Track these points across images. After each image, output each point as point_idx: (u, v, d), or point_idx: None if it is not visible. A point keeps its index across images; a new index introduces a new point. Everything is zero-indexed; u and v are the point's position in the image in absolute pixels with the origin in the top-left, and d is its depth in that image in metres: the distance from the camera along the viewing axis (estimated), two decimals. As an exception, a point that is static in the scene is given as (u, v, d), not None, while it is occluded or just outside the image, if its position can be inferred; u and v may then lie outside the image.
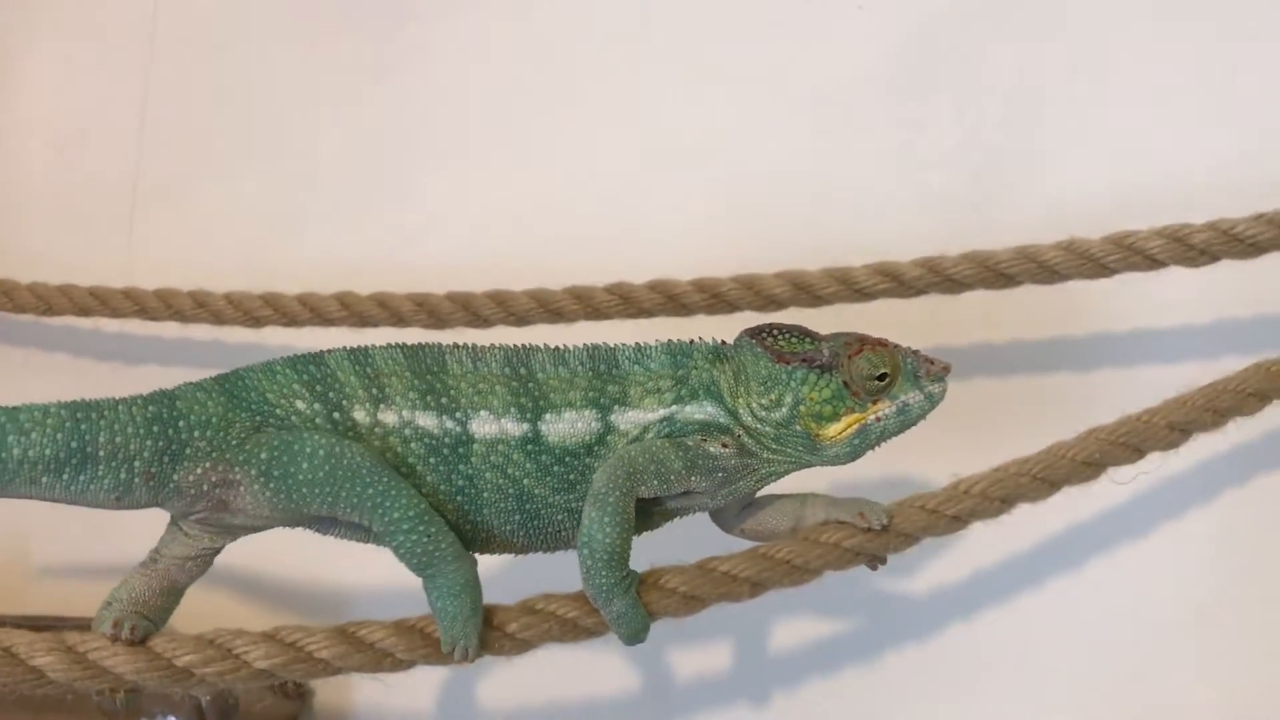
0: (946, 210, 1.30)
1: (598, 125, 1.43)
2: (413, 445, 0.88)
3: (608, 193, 1.40)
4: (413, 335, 1.28)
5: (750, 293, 1.19)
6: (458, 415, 0.88)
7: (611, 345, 0.92)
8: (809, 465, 0.91)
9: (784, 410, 0.89)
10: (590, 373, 0.91)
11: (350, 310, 1.29)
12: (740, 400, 0.90)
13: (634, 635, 0.89)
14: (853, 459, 0.91)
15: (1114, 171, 1.25)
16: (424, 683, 1.36)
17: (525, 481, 0.88)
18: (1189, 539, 1.19)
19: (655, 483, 0.88)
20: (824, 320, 0.99)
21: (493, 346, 0.92)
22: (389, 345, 0.91)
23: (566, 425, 0.89)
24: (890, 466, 1.06)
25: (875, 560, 0.95)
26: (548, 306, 1.24)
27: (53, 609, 1.29)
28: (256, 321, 1.33)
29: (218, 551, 0.92)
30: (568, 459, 0.89)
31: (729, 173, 1.37)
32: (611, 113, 1.43)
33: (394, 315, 1.28)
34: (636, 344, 0.92)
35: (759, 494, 0.95)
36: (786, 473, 0.92)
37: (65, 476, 0.84)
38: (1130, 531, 1.21)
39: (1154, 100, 1.26)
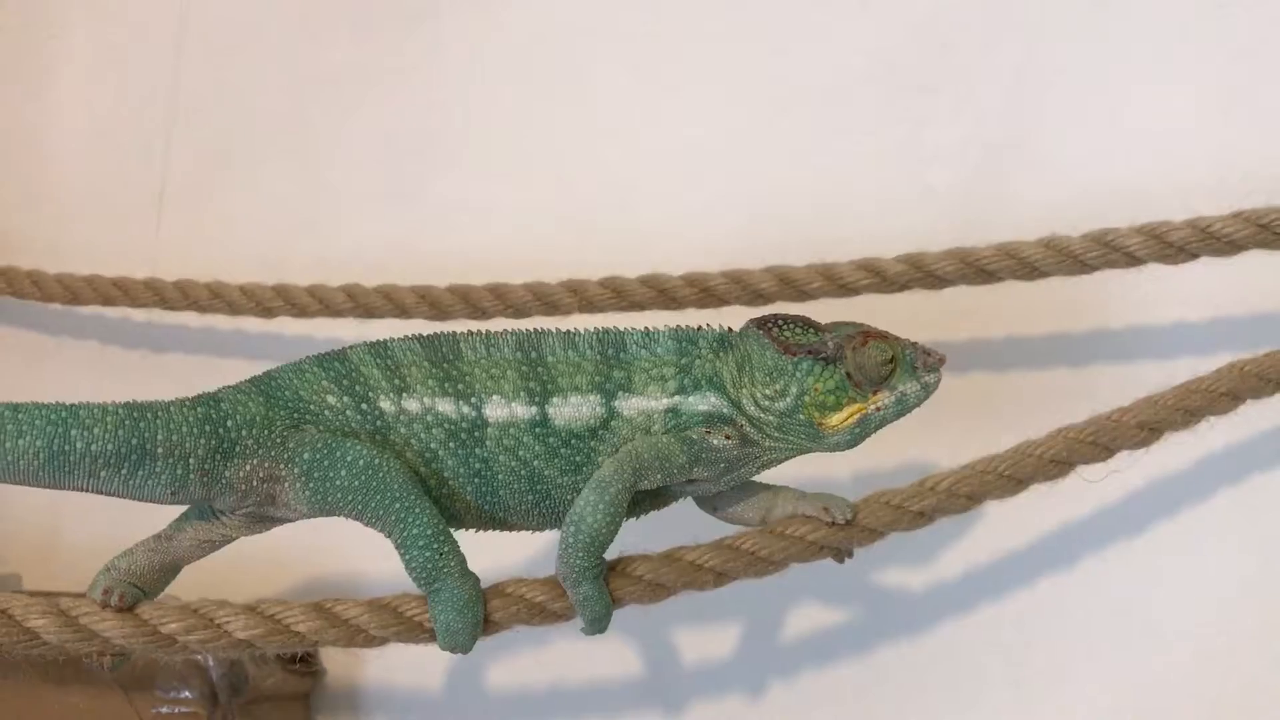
0: (946, 207, 1.27)
1: (599, 122, 1.42)
2: (434, 431, 0.90)
3: (608, 188, 1.40)
4: (416, 326, 1.29)
5: (738, 287, 1.19)
6: (472, 400, 0.90)
7: (621, 330, 0.93)
8: (809, 451, 0.92)
9: (789, 400, 0.89)
10: (598, 356, 0.92)
11: (357, 302, 1.31)
12: (744, 390, 0.90)
13: (596, 620, 0.90)
14: (852, 446, 0.92)
15: (1116, 168, 1.22)
16: (432, 661, 1.37)
17: (535, 463, 0.90)
18: (1187, 536, 1.16)
19: (659, 476, 0.89)
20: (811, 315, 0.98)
21: (506, 332, 0.93)
22: (406, 337, 0.93)
23: (572, 409, 0.90)
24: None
25: (840, 554, 0.94)
26: (544, 299, 1.24)
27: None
28: (268, 312, 1.35)
29: (233, 540, 0.94)
30: (573, 441, 0.90)
31: (728, 169, 1.36)
32: (613, 110, 1.42)
33: (398, 307, 1.29)
34: (645, 329, 0.93)
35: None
36: (787, 458, 0.93)
37: (124, 471, 0.86)
38: (1127, 529, 1.18)
39: (1157, 96, 1.23)
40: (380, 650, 0.92)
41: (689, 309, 1.20)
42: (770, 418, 0.90)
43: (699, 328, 0.93)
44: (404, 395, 0.90)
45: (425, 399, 0.90)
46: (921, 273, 1.14)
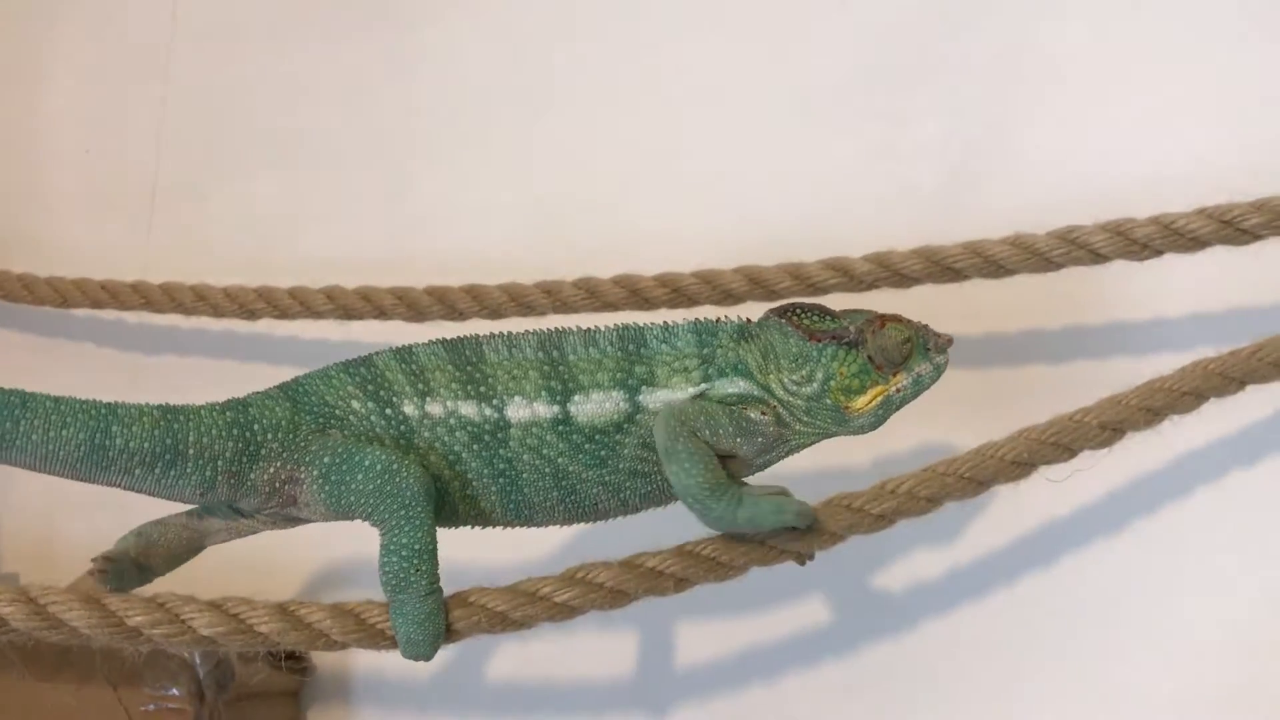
0: (926, 205, 1.25)
1: (576, 126, 1.40)
2: (458, 434, 0.90)
3: (584, 190, 1.38)
4: (395, 327, 1.29)
5: (709, 287, 1.17)
6: (494, 402, 0.90)
7: (640, 325, 0.93)
8: (833, 436, 0.92)
9: (815, 385, 0.90)
10: (619, 353, 0.91)
11: (336, 303, 1.29)
12: (771, 376, 0.90)
13: (777, 511, 0.87)
14: (874, 428, 0.92)
15: (1094, 165, 1.19)
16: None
17: (559, 460, 0.90)
18: (1165, 534, 1.14)
19: (707, 432, 0.88)
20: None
21: (528, 332, 0.93)
22: (431, 341, 0.93)
23: (594, 405, 0.90)
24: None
25: (801, 557, 0.93)
26: (519, 300, 1.23)
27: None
28: (252, 314, 1.34)
29: (259, 532, 0.96)
30: (598, 437, 0.90)
31: (702, 170, 1.34)
32: (589, 113, 1.39)
33: (376, 308, 1.28)
34: (664, 323, 0.92)
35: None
36: (812, 444, 0.92)
37: (158, 470, 0.87)
38: (1106, 527, 1.16)
39: (1137, 95, 1.20)
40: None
41: (661, 309, 1.18)
42: (799, 402, 0.90)
43: (717, 320, 0.93)
44: (428, 399, 0.90)
45: (449, 402, 0.90)
46: (889, 272, 1.12)
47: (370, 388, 0.91)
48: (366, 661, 1.37)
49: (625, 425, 0.90)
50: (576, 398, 0.90)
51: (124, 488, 0.88)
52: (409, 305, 1.26)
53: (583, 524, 0.94)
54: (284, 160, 1.53)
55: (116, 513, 0.98)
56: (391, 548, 0.87)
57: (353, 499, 0.88)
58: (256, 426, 0.89)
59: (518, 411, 0.90)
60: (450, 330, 1.22)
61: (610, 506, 0.92)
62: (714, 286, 1.16)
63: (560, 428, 0.90)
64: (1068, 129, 1.21)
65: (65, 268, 1.46)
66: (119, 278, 1.42)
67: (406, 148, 1.47)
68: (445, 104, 1.46)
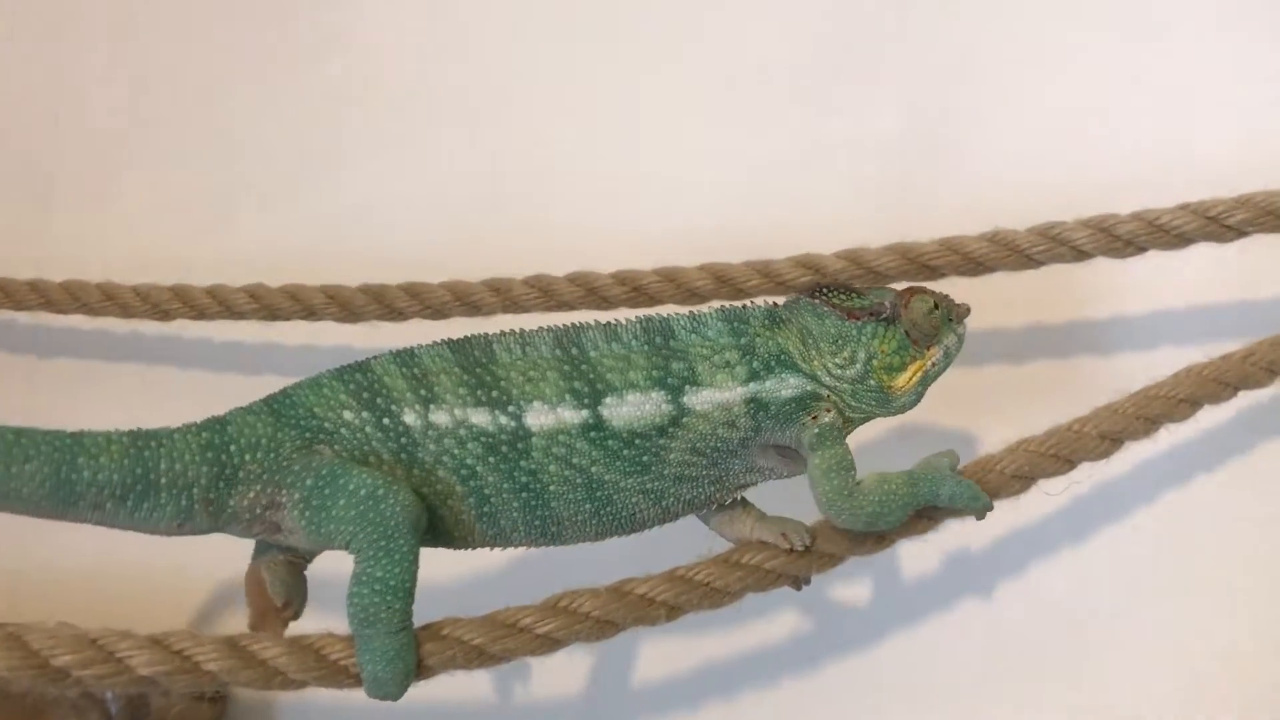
0: (882, 199, 1.20)
1: (524, 117, 1.30)
2: (469, 446, 0.81)
3: (533, 184, 1.29)
4: (326, 329, 1.19)
5: (672, 285, 1.09)
6: (510, 409, 0.82)
7: (665, 316, 0.86)
8: (874, 418, 0.86)
9: (859, 366, 0.85)
10: (647, 347, 0.84)
11: (260, 303, 1.18)
12: (815, 362, 0.84)
13: (966, 499, 0.84)
14: (912, 407, 0.87)
15: (1050, 159, 1.16)
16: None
17: (593, 469, 0.82)
18: (1130, 543, 1.11)
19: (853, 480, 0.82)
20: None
21: (541, 329, 0.84)
22: (436, 342, 0.85)
23: (632, 408, 0.82)
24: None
25: (798, 581, 0.86)
26: (464, 299, 1.13)
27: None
28: (165, 315, 1.21)
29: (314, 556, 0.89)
30: (638, 441, 0.82)
31: (658, 162, 1.26)
32: (537, 104, 1.30)
33: (305, 308, 1.17)
34: (691, 313, 0.86)
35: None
36: (857, 428, 0.87)
37: (130, 503, 0.79)
38: (1070, 536, 1.13)
39: (1094, 89, 1.17)
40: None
41: (620, 308, 1.10)
42: (844, 385, 0.84)
43: (743, 306, 0.87)
44: (431, 407, 0.82)
45: (456, 410, 0.82)
46: (862, 268, 1.05)
47: (365, 396, 0.82)
48: (287, 697, 1.27)
49: (670, 429, 0.82)
50: (609, 400, 0.82)
51: (95, 523, 0.79)
52: (341, 305, 1.16)
53: (617, 537, 0.86)
54: (203, 148, 1.40)
55: (87, 539, 0.87)
56: (364, 579, 0.78)
57: (333, 526, 0.79)
58: (234, 447, 0.80)
59: (539, 418, 0.82)
60: (388, 333, 1.13)
61: (650, 516, 0.84)
62: (677, 285, 1.08)
63: (592, 434, 0.81)
64: (1030, 126, 1.18)
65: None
66: (12, 275, 1.28)
67: (342, 136, 1.36)
68: (379, 90, 1.36)
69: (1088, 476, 1.05)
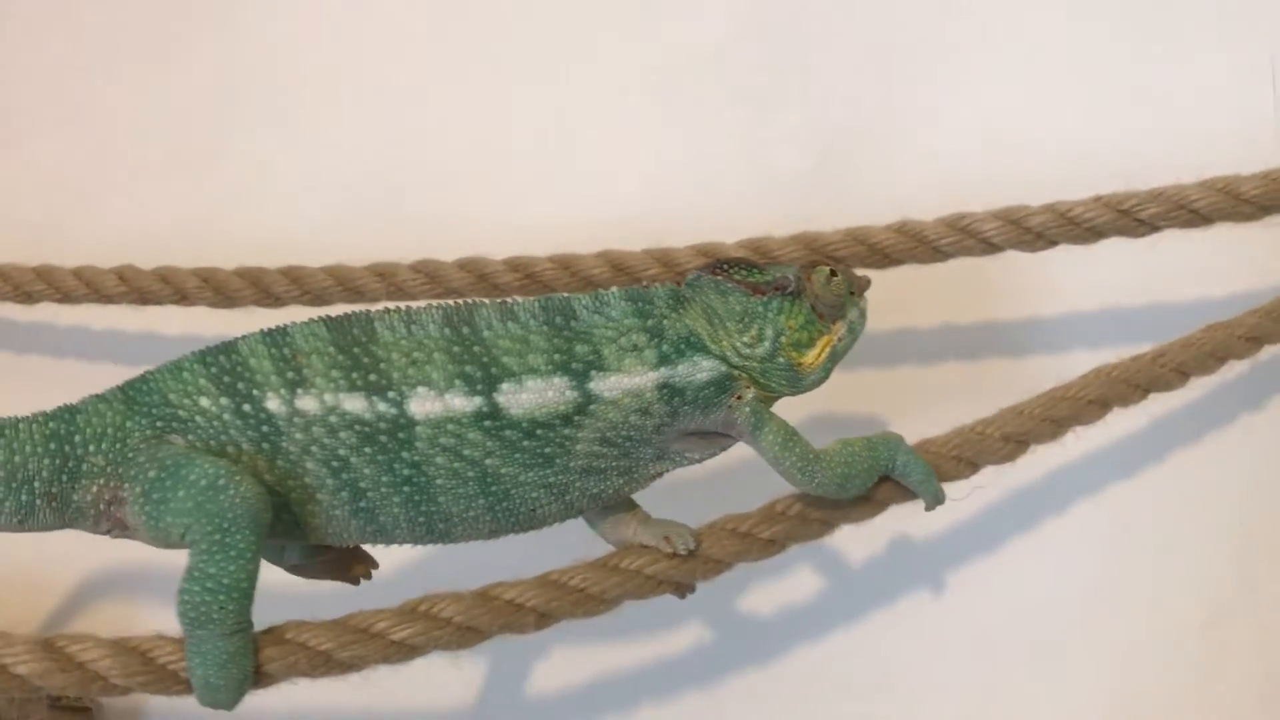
0: (792, 190, 1.15)
1: (417, 96, 1.23)
2: (342, 435, 0.73)
3: (424, 168, 1.21)
4: (198, 314, 1.10)
5: (566, 273, 1.03)
6: (390, 395, 0.74)
7: (565, 295, 0.79)
8: (783, 396, 0.80)
9: (767, 344, 0.79)
10: (547, 328, 0.76)
11: (130, 286, 1.09)
12: (724, 343, 0.78)
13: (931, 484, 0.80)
14: (821, 384, 0.81)
15: (961, 150, 1.12)
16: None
17: (488, 462, 0.74)
18: (1047, 547, 1.08)
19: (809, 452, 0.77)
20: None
21: (430, 306, 0.77)
22: (312, 319, 0.77)
23: (533, 395, 0.75)
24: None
25: (682, 588, 0.80)
26: (347, 284, 1.06)
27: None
28: (28, 297, 1.13)
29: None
30: (540, 432, 0.75)
31: (557, 151, 1.20)
32: (432, 84, 1.23)
33: (177, 291, 1.09)
34: (593, 292, 0.79)
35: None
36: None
37: None
38: (983, 542, 1.09)
39: (1008, 79, 1.14)
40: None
41: (514, 296, 1.03)
42: (754, 364, 0.78)
43: (646, 285, 0.81)
44: (299, 391, 0.74)
45: (327, 396, 0.74)
46: (765, 259, 1.00)
47: (226, 379, 0.74)
48: (158, 703, 1.17)
49: (575, 418, 0.75)
50: (505, 386, 0.75)
51: None
52: (216, 289, 1.08)
53: (512, 534, 0.79)
54: (71, 124, 1.30)
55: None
56: (197, 575, 0.70)
57: (170, 519, 0.71)
58: (78, 438, 0.73)
59: (424, 405, 0.74)
60: (265, 319, 1.05)
61: (552, 511, 0.77)
62: (573, 272, 1.02)
63: (486, 423, 0.74)
64: (945, 117, 1.14)
65: None
66: None
67: (220, 114, 1.27)
68: (265, 64, 1.27)
69: (999, 483, 1.02)
